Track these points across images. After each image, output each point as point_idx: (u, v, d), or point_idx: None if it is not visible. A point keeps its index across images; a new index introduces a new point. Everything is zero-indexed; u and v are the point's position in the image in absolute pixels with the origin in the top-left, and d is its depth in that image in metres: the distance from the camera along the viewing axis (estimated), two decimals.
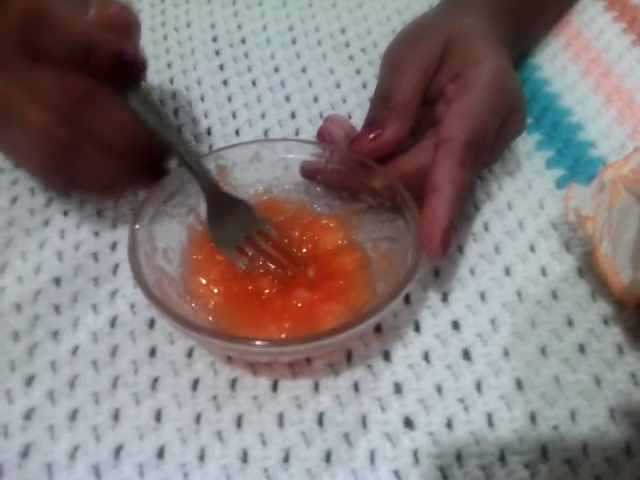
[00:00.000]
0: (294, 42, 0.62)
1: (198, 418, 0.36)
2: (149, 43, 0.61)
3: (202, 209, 0.41)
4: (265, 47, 0.61)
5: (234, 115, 0.54)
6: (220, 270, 0.40)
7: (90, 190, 0.42)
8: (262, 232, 0.41)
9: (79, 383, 0.38)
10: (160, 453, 0.35)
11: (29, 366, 0.38)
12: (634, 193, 0.39)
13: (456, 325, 0.40)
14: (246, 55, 0.60)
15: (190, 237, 0.41)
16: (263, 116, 0.54)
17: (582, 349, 0.39)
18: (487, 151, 0.41)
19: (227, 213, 0.41)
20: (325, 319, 0.37)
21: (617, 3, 0.62)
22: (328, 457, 0.35)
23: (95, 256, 0.44)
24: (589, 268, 0.42)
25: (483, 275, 0.43)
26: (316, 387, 0.37)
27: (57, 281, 0.42)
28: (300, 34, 0.62)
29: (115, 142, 0.38)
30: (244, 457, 0.35)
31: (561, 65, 0.57)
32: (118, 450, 0.35)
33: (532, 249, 0.44)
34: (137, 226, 0.38)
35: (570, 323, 0.40)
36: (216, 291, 0.39)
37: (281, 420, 0.36)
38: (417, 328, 0.40)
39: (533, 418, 0.36)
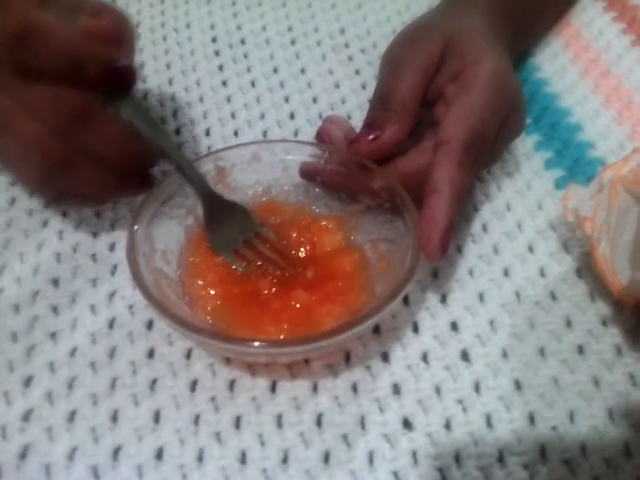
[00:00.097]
0: (293, 43, 0.62)
1: (197, 419, 0.36)
2: (148, 44, 0.61)
3: (200, 210, 0.41)
4: (264, 48, 0.61)
5: (233, 116, 0.54)
6: (218, 272, 0.40)
7: (82, 200, 0.42)
8: (260, 235, 0.41)
9: (77, 384, 0.38)
10: (159, 454, 0.35)
11: (27, 367, 0.38)
12: (633, 194, 0.39)
13: (455, 326, 0.40)
14: (245, 56, 0.60)
15: (189, 238, 0.41)
16: (262, 117, 0.54)
17: (581, 350, 0.39)
18: (486, 152, 0.41)
19: (224, 217, 0.41)
20: (324, 320, 0.37)
21: (617, 3, 0.62)
22: (327, 458, 0.35)
23: (93, 257, 0.44)
24: (588, 269, 0.42)
25: (482, 276, 0.43)
26: (315, 388, 0.37)
27: (55, 282, 0.42)
28: (299, 35, 0.62)
29: (107, 153, 0.38)
30: (243, 458, 0.35)
31: (560, 65, 0.57)
32: (117, 451, 0.35)
33: (531, 250, 0.44)
34: (136, 227, 0.38)
35: (569, 324, 0.40)
36: (214, 293, 0.39)
37: (280, 421, 0.36)
38: (416, 329, 0.40)
39: (532, 419, 0.36)
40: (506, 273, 0.43)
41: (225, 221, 0.41)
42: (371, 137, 0.41)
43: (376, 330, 0.40)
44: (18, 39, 0.35)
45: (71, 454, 0.35)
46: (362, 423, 0.36)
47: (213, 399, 0.37)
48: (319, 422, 0.36)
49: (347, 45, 0.61)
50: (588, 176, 0.47)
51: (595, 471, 0.34)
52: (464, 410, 0.36)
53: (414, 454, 0.35)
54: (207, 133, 0.53)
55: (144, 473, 0.34)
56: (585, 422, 0.36)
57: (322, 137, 0.46)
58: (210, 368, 0.38)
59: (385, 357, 0.39)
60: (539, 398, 0.37)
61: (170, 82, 0.58)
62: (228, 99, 0.56)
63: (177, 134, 0.53)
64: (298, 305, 0.38)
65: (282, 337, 0.37)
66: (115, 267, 0.43)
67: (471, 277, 0.43)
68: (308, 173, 0.44)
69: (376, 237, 0.42)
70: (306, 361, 0.38)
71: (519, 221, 0.46)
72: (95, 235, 0.45)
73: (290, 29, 0.63)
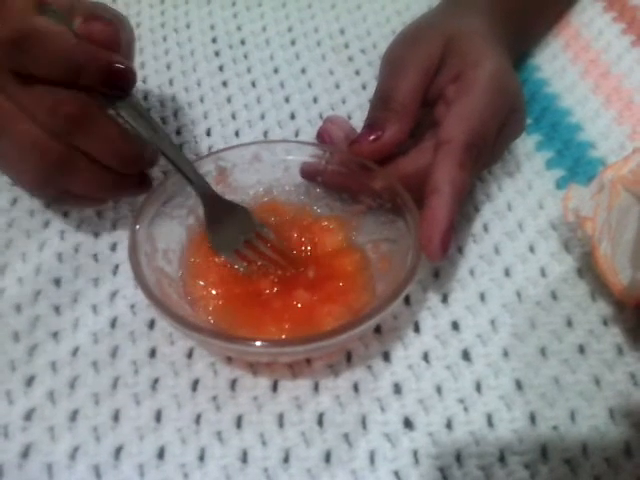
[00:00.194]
0: (293, 43, 0.62)
1: (198, 418, 0.36)
2: (148, 44, 0.61)
3: (202, 211, 0.41)
4: (264, 48, 0.61)
5: (234, 116, 0.54)
6: (219, 272, 0.40)
7: (82, 200, 0.42)
8: (260, 235, 0.41)
9: (79, 384, 0.38)
10: (160, 453, 0.35)
11: (29, 367, 0.38)
12: (633, 193, 0.39)
13: (456, 326, 0.40)
14: (245, 56, 0.60)
15: (190, 238, 0.41)
16: (263, 117, 0.54)
17: (582, 350, 0.39)
18: (487, 152, 0.41)
19: (224, 218, 0.41)
20: (325, 320, 0.37)
21: (616, 3, 0.62)
22: (328, 457, 0.35)
23: (95, 257, 0.44)
24: (588, 268, 0.42)
25: (483, 276, 0.43)
26: (316, 388, 0.37)
27: (57, 282, 0.42)
28: (299, 35, 0.62)
29: (106, 154, 0.38)
30: (244, 457, 0.35)
31: (560, 66, 0.57)
32: (118, 451, 0.35)
33: (532, 250, 0.44)
34: (137, 227, 0.38)
35: (570, 324, 0.40)
36: (216, 293, 0.39)
37: (281, 420, 0.36)
38: (417, 329, 0.40)
39: (533, 418, 0.36)
40: (507, 273, 0.43)
41: (226, 221, 0.41)
42: (372, 137, 0.41)
43: (377, 330, 0.40)
44: (15, 43, 0.35)
45: (73, 453, 0.35)
46: (363, 422, 0.36)
47: (214, 398, 0.37)
48: (320, 421, 0.36)
49: (347, 45, 0.61)
50: (589, 176, 0.47)
51: (596, 471, 0.34)
52: (465, 410, 0.36)
53: (415, 453, 0.35)
54: (208, 133, 0.53)
55: (145, 472, 0.34)
56: (586, 422, 0.36)
57: (323, 137, 0.46)
58: (211, 367, 0.38)
59: (386, 357, 0.39)
60: (540, 398, 0.37)
61: (170, 82, 0.58)
62: (229, 99, 0.56)
63: (178, 134, 0.53)
64: (299, 305, 0.38)
65: (283, 337, 0.37)
66: (117, 267, 0.43)
67: (472, 277, 0.43)
68: (309, 173, 0.44)
69: (377, 237, 0.42)
70: (307, 361, 0.38)
71: (520, 221, 0.46)
72: (97, 235, 0.45)
73: (290, 29, 0.63)
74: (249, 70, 0.59)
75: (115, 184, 0.40)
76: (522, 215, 0.46)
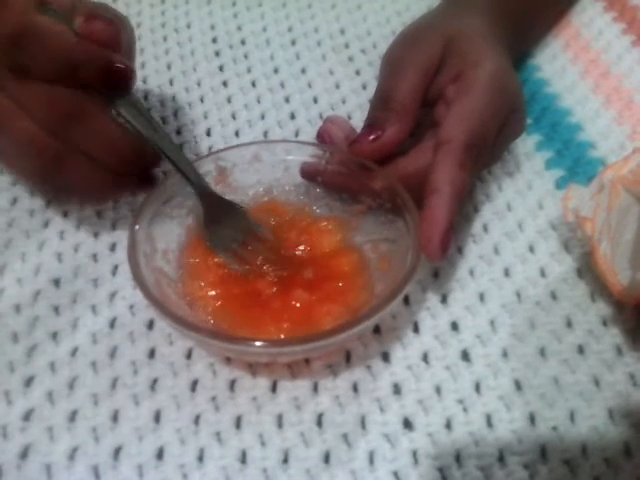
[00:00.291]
0: (293, 43, 0.62)
1: (197, 419, 0.36)
2: (149, 44, 0.61)
3: (201, 211, 0.41)
4: (265, 48, 0.61)
5: (234, 116, 0.54)
6: (218, 272, 0.40)
7: (81, 198, 0.42)
8: (258, 235, 0.41)
9: (78, 384, 0.38)
10: (159, 454, 0.35)
11: (28, 367, 0.38)
12: (633, 194, 0.39)
13: (455, 326, 0.40)
14: (246, 56, 0.60)
15: (189, 238, 0.41)
16: (263, 117, 0.54)
17: (581, 350, 0.39)
18: (487, 152, 0.41)
19: (223, 217, 0.41)
20: (324, 320, 0.37)
21: (617, 3, 0.62)
22: (327, 458, 0.35)
23: (94, 257, 0.44)
24: (588, 269, 0.42)
25: (482, 276, 0.43)
26: (315, 388, 0.37)
27: (56, 282, 0.42)
28: (299, 35, 0.62)
29: (104, 152, 0.38)
30: (243, 458, 0.35)
31: (560, 66, 0.57)
32: (117, 451, 0.35)
33: (531, 250, 0.44)
34: (137, 227, 0.38)
35: (569, 324, 0.40)
36: (215, 293, 0.39)
37: (280, 421, 0.36)
38: (416, 329, 0.40)
39: (532, 419, 0.36)
40: (507, 273, 0.43)
41: (224, 221, 0.41)
42: (372, 137, 0.41)
43: (376, 330, 0.40)
44: (15, 41, 0.35)
45: (72, 454, 0.35)
46: (362, 423, 0.36)
47: (213, 399, 0.37)
48: (319, 422, 0.36)
49: (347, 45, 0.61)
50: (589, 176, 0.47)
51: (595, 471, 0.34)
52: (464, 410, 0.36)
53: (414, 454, 0.35)
54: (208, 133, 0.53)
55: (144, 473, 0.34)
56: (585, 422, 0.36)
57: (323, 137, 0.46)
58: (211, 368, 0.38)
59: (385, 357, 0.39)
60: (539, 398, 0.37)
61: (171, 82, 0.58)
62: (229, 99, 0.56)
63: (178, 134, 0.53)
64: (298, 305, 0.38)
65: (282, 337, 0.37)
66: (116, 267, 0.43)
67: (472, 277, 0.43)
68: (309, 173, 0.44)
69: (377, 237, 0.42)
70: (306, 361, 0.38)
71: (520, 221, 0.46)
72: (96, 235, 0.45)
73: (290, 30, 0.63)
74: (249, 70, 0.59)
75: (115, 182, 0.40)
76: (522, 215, 0.46)
